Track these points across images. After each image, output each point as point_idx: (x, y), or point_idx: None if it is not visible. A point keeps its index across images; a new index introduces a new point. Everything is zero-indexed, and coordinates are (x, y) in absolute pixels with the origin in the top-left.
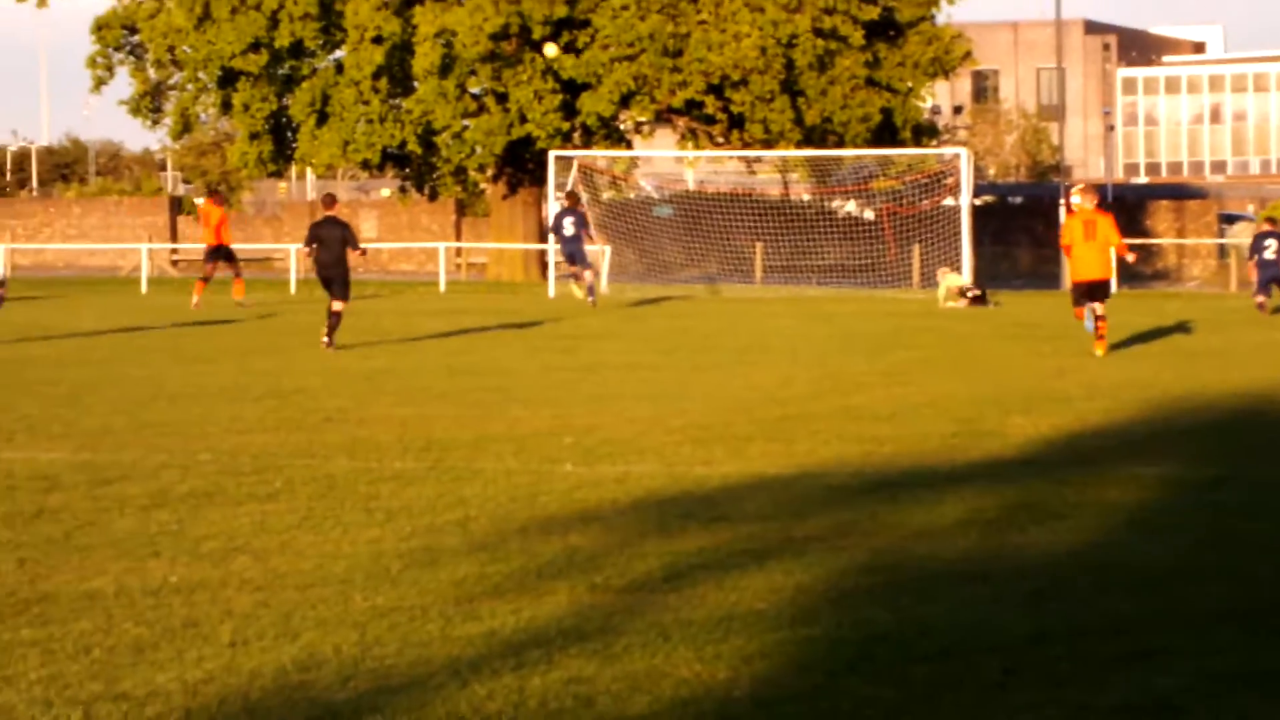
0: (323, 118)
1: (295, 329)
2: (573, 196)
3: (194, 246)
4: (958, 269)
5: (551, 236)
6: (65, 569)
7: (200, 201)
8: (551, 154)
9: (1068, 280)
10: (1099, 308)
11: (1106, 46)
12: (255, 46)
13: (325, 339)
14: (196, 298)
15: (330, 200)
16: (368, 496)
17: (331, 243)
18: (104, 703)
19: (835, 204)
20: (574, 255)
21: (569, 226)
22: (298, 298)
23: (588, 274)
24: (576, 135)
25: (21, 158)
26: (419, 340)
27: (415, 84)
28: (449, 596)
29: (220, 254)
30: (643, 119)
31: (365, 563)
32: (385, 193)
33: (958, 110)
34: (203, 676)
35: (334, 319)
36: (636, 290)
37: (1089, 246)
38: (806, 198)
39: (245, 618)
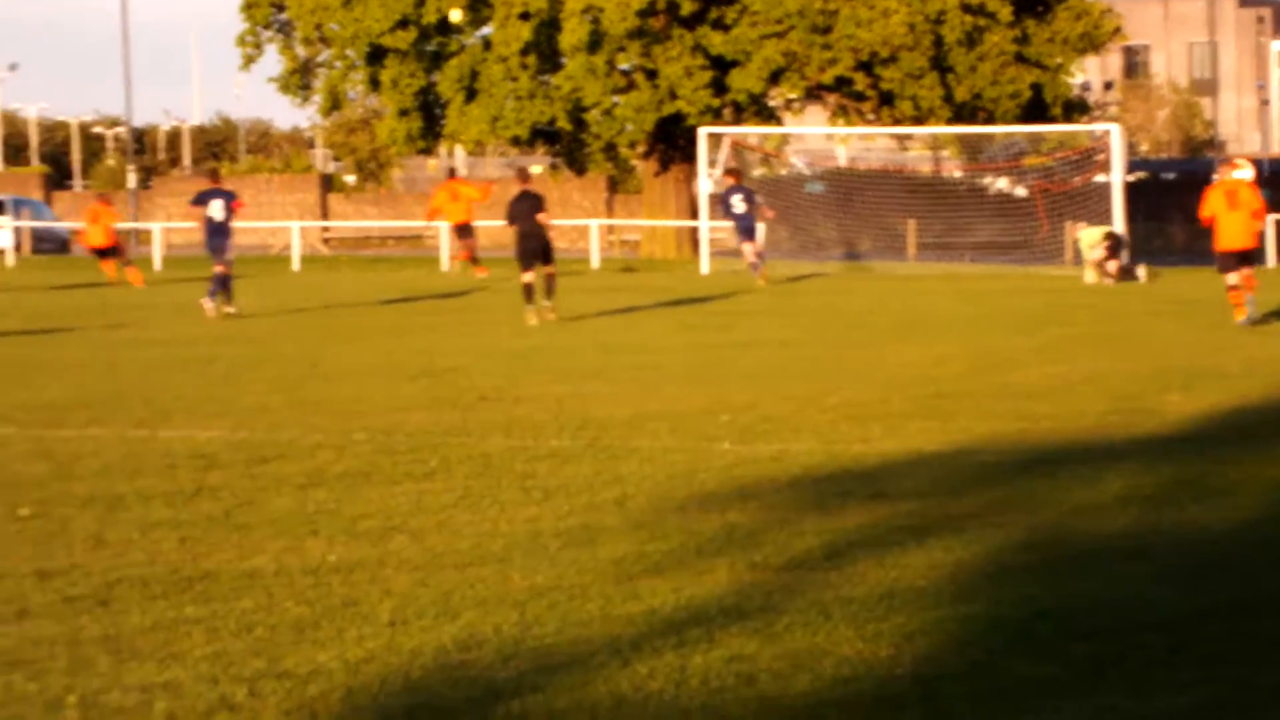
0: (471, 94)
1: (448, 308)
2: (736, 173)
3: (344, 224)
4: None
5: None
6: (225, 547)
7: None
8: (702, 131)
9: None
10: (1242, 274)
11: (1260, 19)
12: (403, 23)
13: (546, 303)
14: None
15: (525, 175)
16: (524, 475)
17: (529, 215)
18: (268, 680)
19: (986, 181)
20: (748, 231)
21: (738, 203)
22: (449, 275)
23: (747, 248)
24: (727, 112)
25: (173, 137)
26: (573, 318)
27: (563, 60)
28: (608, 575)
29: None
30: (793, 96)
31: (523, 541)
32: (535, 169)
33: (1108, 86)
34: (363, 655)
35: (550, 281)
36: (789, 267)
37: (1233, 216)
38: (957, 174)
39: (404, 597)
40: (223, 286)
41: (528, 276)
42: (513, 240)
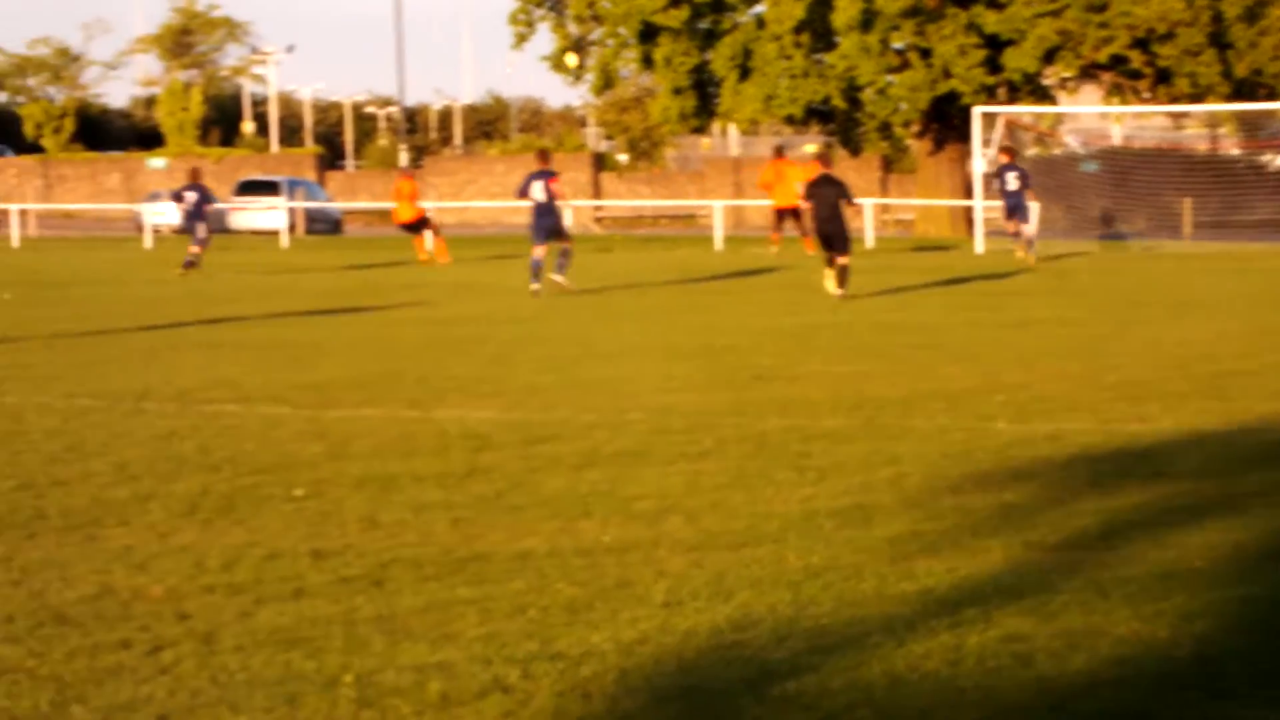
0: (745, 73)
1: (723, 288)
2: (1010, 151)
3: (617, 203)
4: None
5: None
6: (498, 528)
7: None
8: (976, 110)
9: None
10: None
11: None
12: (676, 1)
13: (839, 290)
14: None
15: (826, 159)
16: (799, 455)
17: (828, 199)
18: (540, 661)
19: (1265, 158)
20: (1015, 209)
21: (1011, 181)
22: (723, 254)
23: (1025, 228)
24: (1001, 91)
25: (445, 116)
26: (848, 297)
27: (837, 39)
28: (883, 555)
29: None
30: (1067, 75)
31: (798, 521)
32: (809, 149)
33: None
34: (637, 637)
35: (842, 272)
36: (1064, 246)
37: None
38: (1235, 152)
39: (678, 577)
40: (567, 260)
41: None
42: (811, 223)
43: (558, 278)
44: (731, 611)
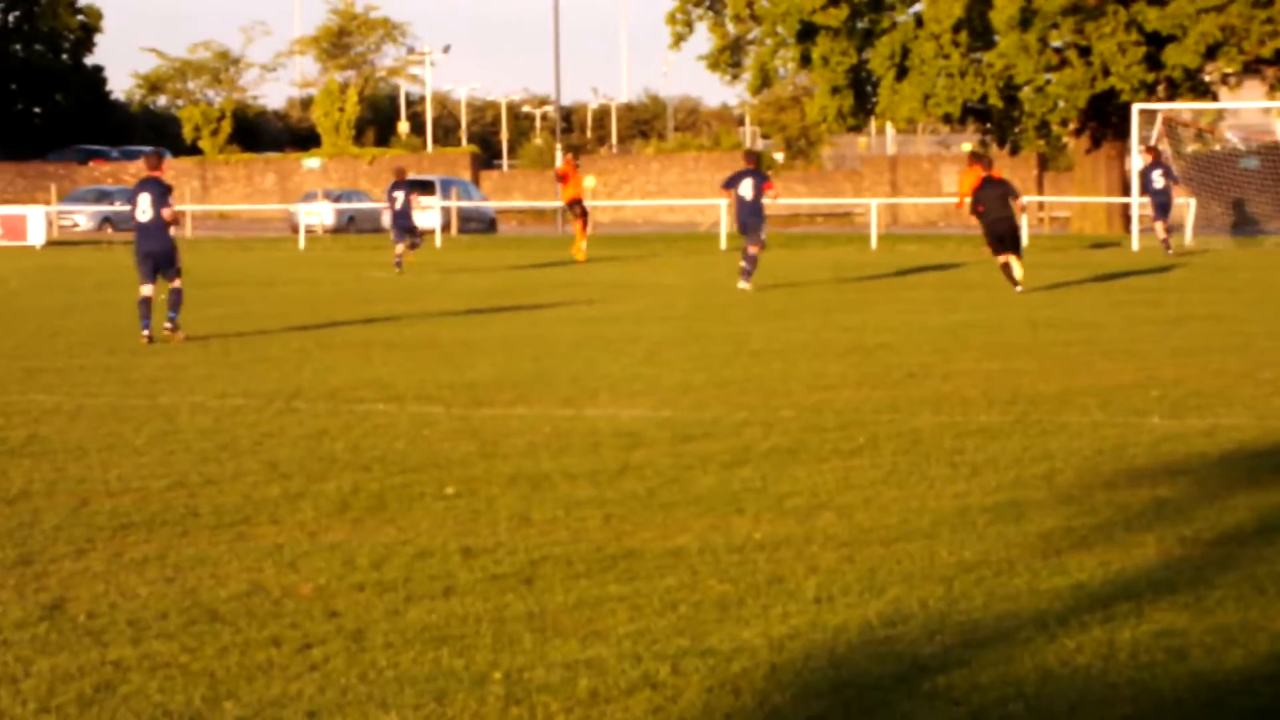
0: (902, 71)
1: (877, 286)
2: (1155, 150)
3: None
4: None
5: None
6: (650, 525)
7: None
8: (1135, 107)
9: None
10: None
11: None
12: (835, 0)
13: (1019, 288)
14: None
15: (986, 161)
16: (952, 451)
17: (996, 200)
18: (691, 658)
19: None
20: (1163, 207)
21: (1157, 179)
22: (878, 252)
23: (1159, 225)
24: (1160, 88)
25: (602, 115)
26: (1001, 293)
27: (996, 37)
28: (1035, 550)
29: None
30: (1229, 70)
31: (950, 517)
32: (966, 147)
33: None
34: (788, 632)
35: (1006, 270)
36: (1223, 243)
37: None
38: None
39: (830, 573)
40: (753, 265)
41: (1001, 259)
42: (980, 226)
43: (743, 284)
44: (883, 607)
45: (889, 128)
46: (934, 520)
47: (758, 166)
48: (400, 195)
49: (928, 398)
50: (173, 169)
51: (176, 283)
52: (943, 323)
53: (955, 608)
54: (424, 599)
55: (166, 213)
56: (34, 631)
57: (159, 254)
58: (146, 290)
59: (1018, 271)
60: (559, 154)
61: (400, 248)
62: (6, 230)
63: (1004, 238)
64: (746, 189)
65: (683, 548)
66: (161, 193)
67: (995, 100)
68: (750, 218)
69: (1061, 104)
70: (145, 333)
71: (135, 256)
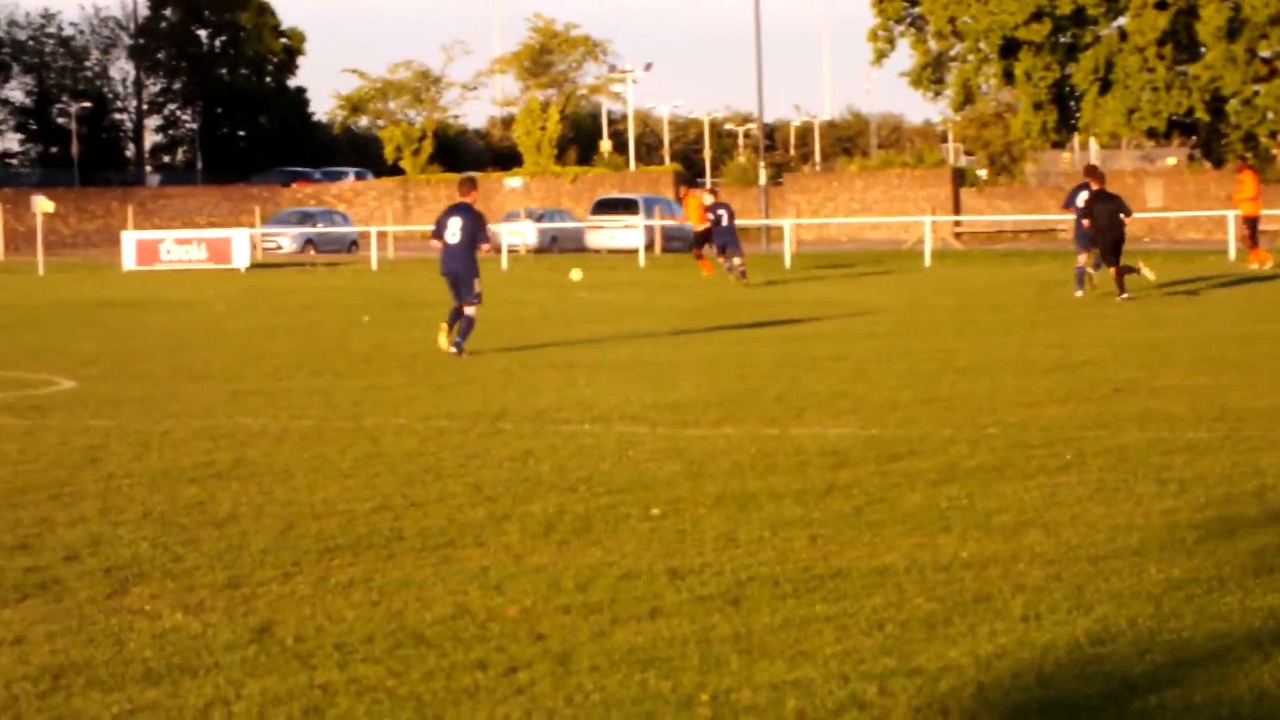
0: (1105, 85)
1: (1083, 301)
2: None
3: (976, 218)
4: None
5: None
6: (856, 544)
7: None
8: None
9: None
10: None
11: None
12: (1038, 15)
13: (1124, 295)
14: None
15: (1098, 175)
16: (1160, 468)
17: (1107, 212)
18: (898, 677)
19: None
20: None
21: None
22: None
23: None
24: None
25: (804, 132)
26: (1209, 307)
27: (1202, 49)
28: (1247, 567)
29: None
30: None
31: (1159, 534)
32: (1171, 161)
33: None
34: (995, 651)
35: (1119, 275)
36: None
37: None
38: None
39: (1037, 591)
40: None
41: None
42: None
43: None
44: (1091, 625)
45: (1092, 142)
46: (1142, 537)
47: (1099, 182)
48: (724, 213)
49: (1134, 414)
50: (374, 190)
51: (470, 310)
52: (1148, 338)
53: (1165, 626)
54: (630, 621)
55: (486, 247)
56: (243, 654)
57: (460, 275)
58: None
59: (1145, 278)
60: (761, 173)
61: (737, 260)
62: (212, 253)
63: (1106, 247)
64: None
65: (889, 566)
66: (474, 220)
67: (1201, 113)
68: (1110, 233)
69: (1270, 116)
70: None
71: (441, 272)
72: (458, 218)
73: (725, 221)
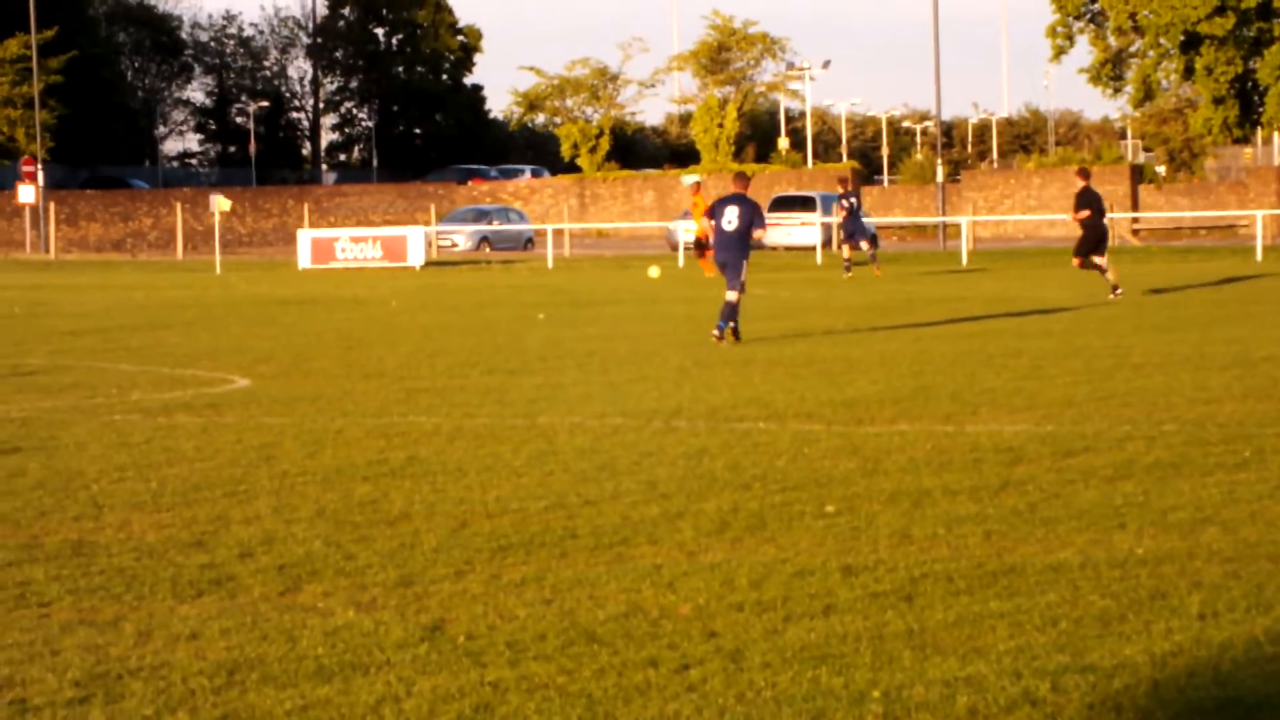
0: None
1: (1264, 298)
2: None
3: (1155, 215)
4: None
5: None
6: (1031, 541)
7: None
8: None
9: None
10: None
11: None
12: (1221, 9)
13: (1111, 279)
14: None
15: (1086, 173)
16: None
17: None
18: (1071, 674)
19: None
20: None
21: None
22: (1264, 264)
23: None
24: None
25: (982, 129)
26: None
27: None
28: None
29: None
30: None
31: None
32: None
33: None
34: (1170, 649)
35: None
36: None
37: None
38: None
39: (1214, 589)
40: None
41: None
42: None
43: None
44: (1271, 624)
45: (1276, 138)
46: None
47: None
48: (852, 201)
49: None
50: (550, 187)
51: (732, 295)
52: None
53: None
54: (803, 618)
55: (759, 233)
56: (415, 652)
57: (730, 262)
58: (731, 296)
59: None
60: (939, 170)
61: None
62: (387, 251)
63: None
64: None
65: (1064, 563)
66: (751, 209)
67: None
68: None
69: None
70: (716, 333)
71: (715, 261)
72: (734, 206)
73: (856, 210)
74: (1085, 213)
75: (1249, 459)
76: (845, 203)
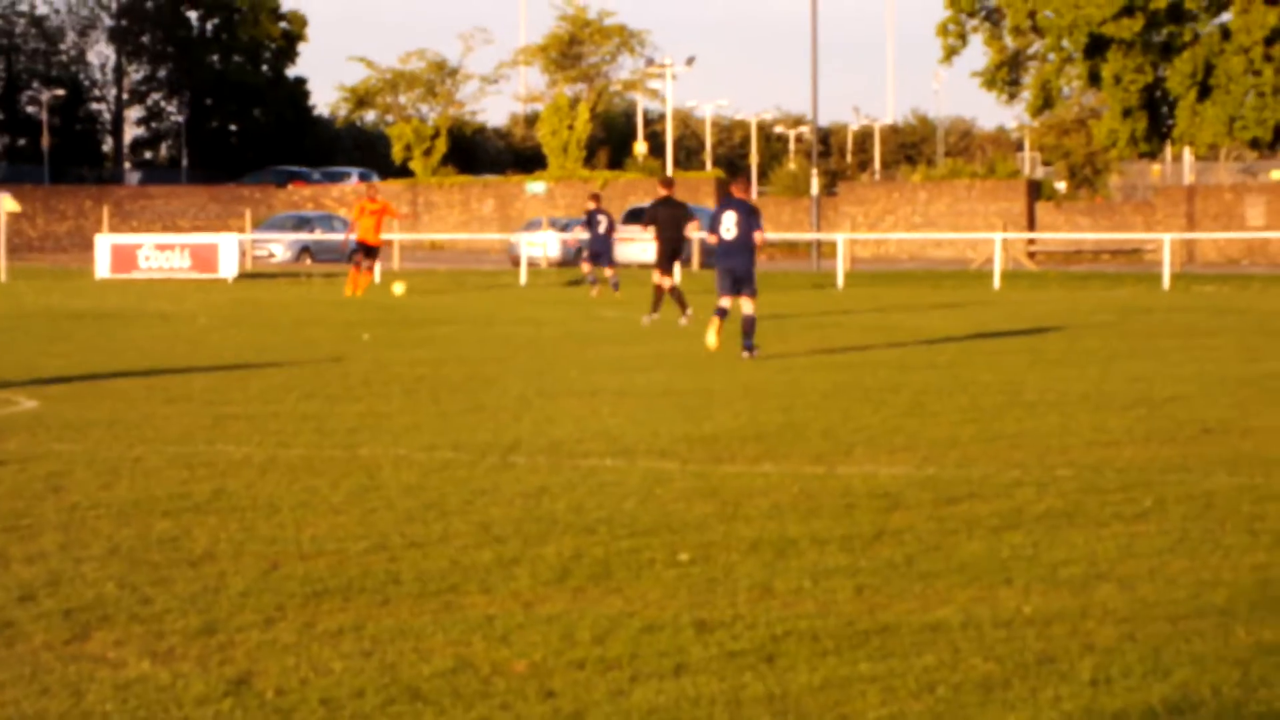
0: (1205, 90)
1: (1170, 330)
2: None
3: (1053, 236)
4: None
5: None
6: (907, 597)
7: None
8: None
9: None
10: None
11: None
12: (1129, 10)
13: None
14: None
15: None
16: (1252, 517)
17: None
18: None
19: None
20: None
21: None
22: (1171, 293)
23: None
24: None
25: (863, 137)
26: None
27: None
28: None
29: None
30: None
31: (1249, 591)
32: (1276, 175)
33: None
34: (1059, 718)
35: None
36: None
37: None
38: None
39: (1108, 652)
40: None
41: None
42: None
43: None
44: (1169, 691)
45: (1186, 154)
46: (1229, 595)
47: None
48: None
49: (1224, 457)
50: (379, 192)
51: (750, 309)
52: (1244, 373)
53: (1254, 695)
54: (651, 678)
55: (759, 237)
56: (217, 708)
57: (739, 271)
58: (724, 302)
59: None
60: (814, 182)
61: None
62: (196, 261)
63: None
64: (730, 225)
65: (943, 622)
66: (749, 213)
67: None
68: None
69: None
70: (746, 354)
71: (716, 270)
72: (732, 212)
73: (603, 230)
74: None
75: (1149, 509)
76: (591, 220)
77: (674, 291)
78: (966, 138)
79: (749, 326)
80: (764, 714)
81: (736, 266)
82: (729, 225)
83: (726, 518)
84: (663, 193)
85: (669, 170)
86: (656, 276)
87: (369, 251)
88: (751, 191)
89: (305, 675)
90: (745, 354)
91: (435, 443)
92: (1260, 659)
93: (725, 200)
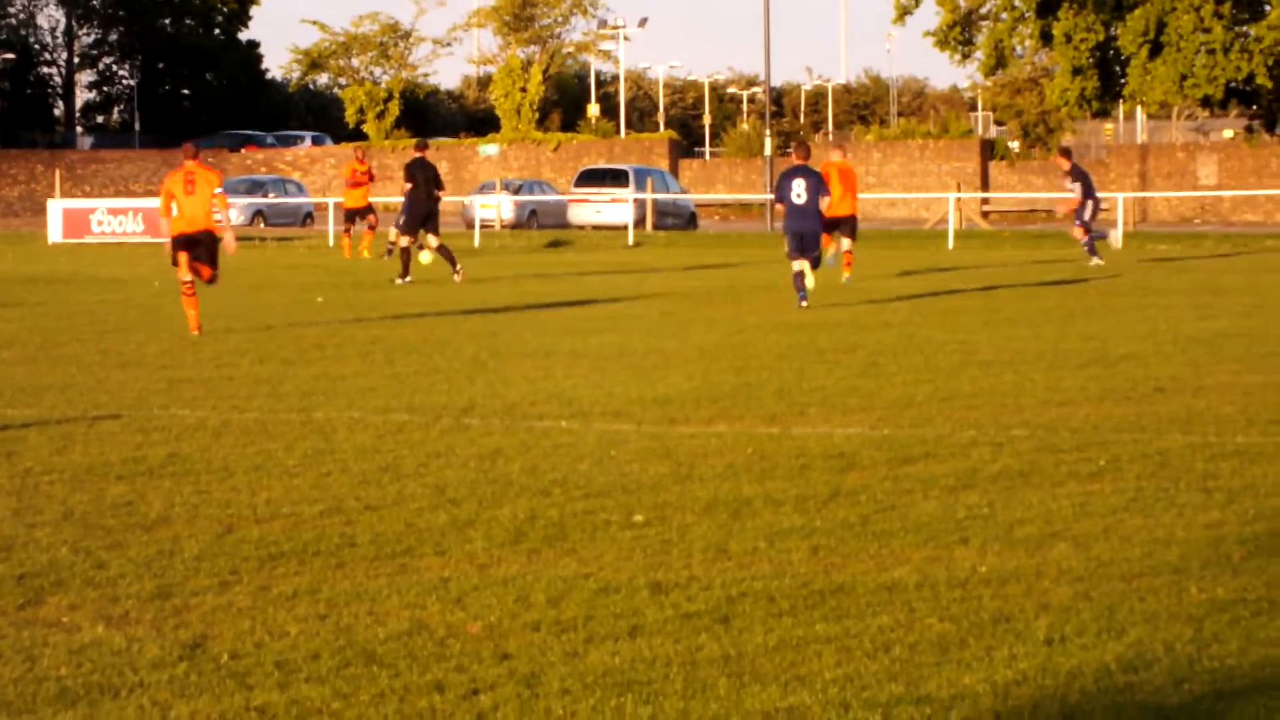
0: (1156, 49)
1: (1124, 289)
2: None
3: (1007, 195)
4: None
5: None
6: (862, 557)
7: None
8: None
9: None
10: None
11: None
12: None
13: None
14: None
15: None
16: (1205, 475)
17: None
18: (904, 705)
19: None
20: None
21: None
22: (1125, 252)
23: None
24: None
25: (816, 98)
26: (1266, 299)
27: (1266, 7)
28: None
29: None
30: None
31: (1202, 549)
32: (1228, 134)
33: None
34: (1014, 677)
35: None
36: None
37: None
38: None
39: (1064, 611)
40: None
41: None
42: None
43: None
44: (1123, 650)
45: (1139, 112)
46: (1183, 553)
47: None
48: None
49: (1178, 415)
50: (333, 156)
51: (800, 266)
52: (1197, 331)
53: (1206, 652)
54: (606, 640)
55: (824, 201)
56: (172, 672)
57: (809, 234)
58: (797, 265)
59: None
60: (767, 143)
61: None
62: (149, 225)
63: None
64: (800, 191)
65: (899, 582)
66: (816, 178)
67: (1263, 79)
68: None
69: None
70: (803, 304)
71: (786, 234)
72: (800, 179)
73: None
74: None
75: (1104, 468)
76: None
77: (442, 249)
78: (920, 98)
79: (800, 280)
80: (719, 675)
81: (805, 230)
82: (799, 191)
83: (681, 479)
84: (415, 155)
85: (622, 132)
86: (403, 239)
87: (362, 214)
88: (834, 154)
89: (260, 638)
90: (801, 304)
91: (389, 405)
92: (1213, 616)
93: (793, 168)
